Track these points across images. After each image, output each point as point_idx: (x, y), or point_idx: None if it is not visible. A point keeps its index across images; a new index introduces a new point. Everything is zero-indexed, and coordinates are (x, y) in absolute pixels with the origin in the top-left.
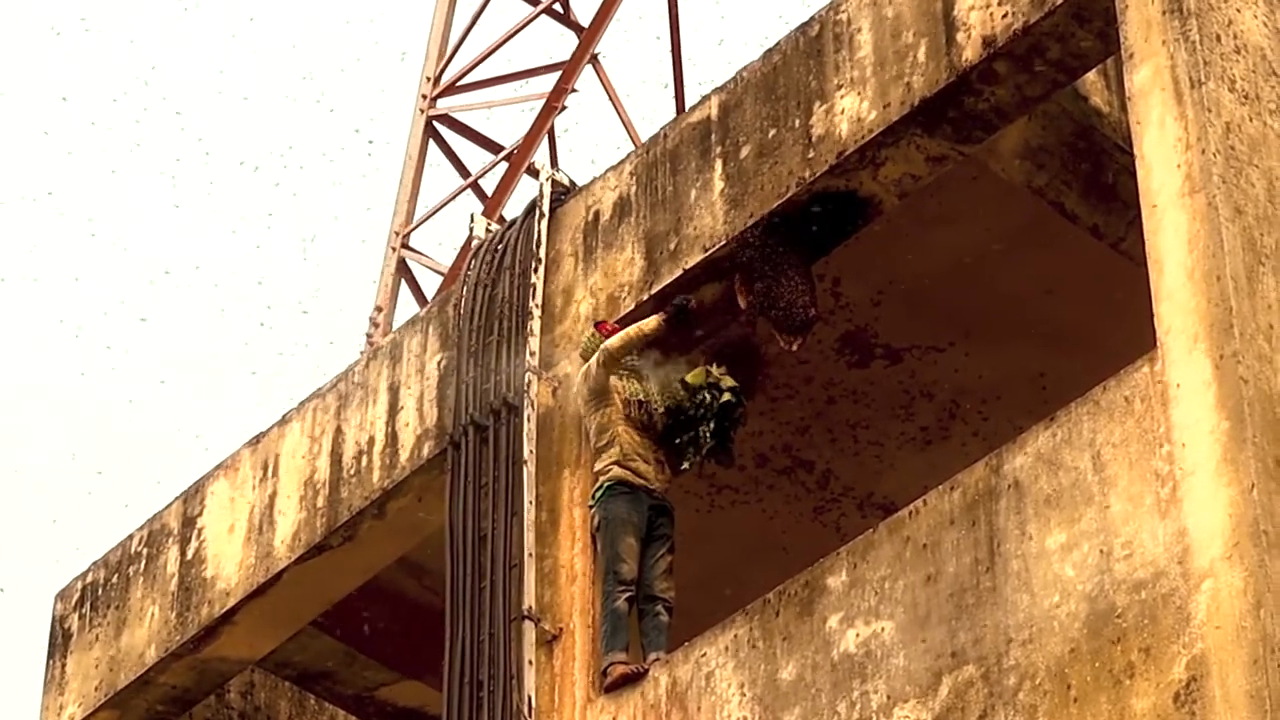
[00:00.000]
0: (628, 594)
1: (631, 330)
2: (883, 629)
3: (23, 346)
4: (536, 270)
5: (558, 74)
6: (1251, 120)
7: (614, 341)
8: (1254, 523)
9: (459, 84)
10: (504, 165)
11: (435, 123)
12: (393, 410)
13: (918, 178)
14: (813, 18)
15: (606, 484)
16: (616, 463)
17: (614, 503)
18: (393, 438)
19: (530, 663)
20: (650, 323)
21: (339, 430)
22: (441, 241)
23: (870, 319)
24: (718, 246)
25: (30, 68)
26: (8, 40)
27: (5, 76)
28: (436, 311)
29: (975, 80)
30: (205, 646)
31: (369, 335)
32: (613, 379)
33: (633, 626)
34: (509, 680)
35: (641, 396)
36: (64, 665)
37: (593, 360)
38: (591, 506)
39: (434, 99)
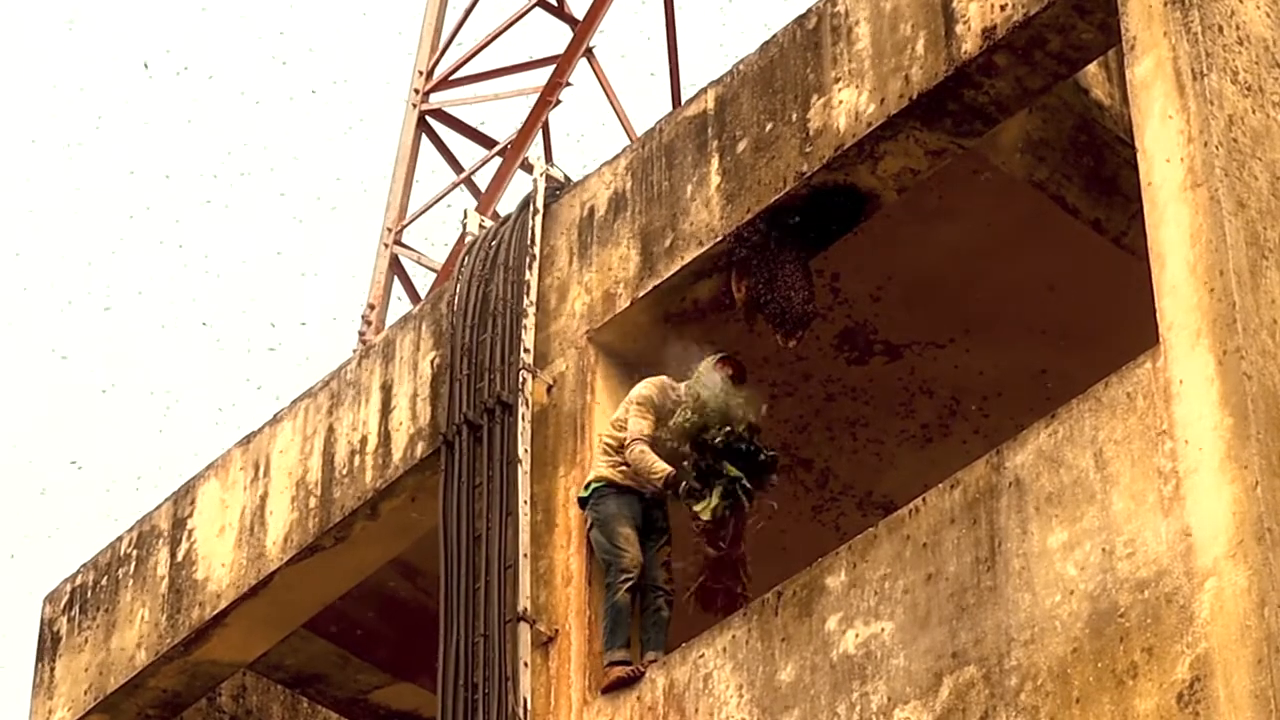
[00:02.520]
0: (630, 583)
1: (644, 459)
2: (883, 629)
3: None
4: (531, 267)
5: (552, 68)
6: (1254, 112)
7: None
8: (1258, 520)
9: (452, 78)
10: (498, 160)
11: (428, 117)
12: (385, 409)
13: (917, 172)
14: (810, 10)
15: (595, 485)
16: (610, 463)
17: (603, 502)
18: (385, 437)
19: (526, 665)
20: (659, 470)
21: (331, 430)
22: (434, 238)
23: (869, 315)
24: (714, 242)
25: (35, 63)
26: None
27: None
28: (429, 309)
29: (975, 73)
30: (196, 649)
31: (361, 333)
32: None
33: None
34: (504, 682)
35: (687, 425)
36: (53, 669)
37: (632, 423)
38: (584, 510)
39: (426, 93)
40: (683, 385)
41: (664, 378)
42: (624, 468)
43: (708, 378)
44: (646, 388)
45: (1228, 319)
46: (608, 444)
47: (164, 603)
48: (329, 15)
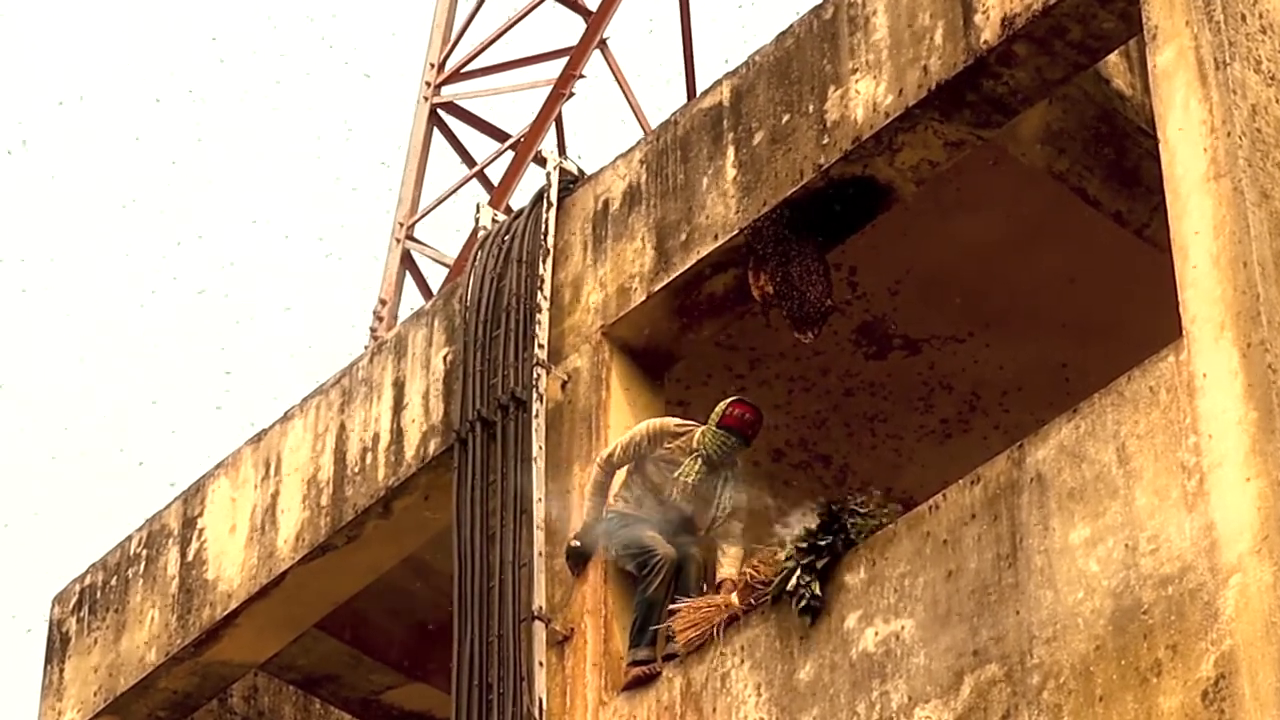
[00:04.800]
0: (665, 571)
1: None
2: (902, 627)
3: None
4: (544, 261)
5: (565, 59)
6: (1278, 102)
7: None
8: None
9: (464, 70)
10: (510, 154)
11: (439, 110)
12: (398, 406)
13: (935, 164)
14: (826, 0)
15: (607, 515)
16: (623, 499)
17: (612, 526)
18: (398, 434)
19: (541, 664)
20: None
21: (343, 427)
22: (446, 233)
23: (888, 309)
24: (730, 236)
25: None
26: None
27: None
28: (442, 304)
29: (994, 63)
30: (207, 650)
31: (373, 329)
32: (671, 455)
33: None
34: (519, 682)
35: (691, 479)
36: (62, 670)
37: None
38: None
39: (438, 86)
40: (698, 431)
41: (671, 421)
42: (637, 507)
43: (714, 438)
44: (643, 425)
45: (1252, 312)
46: (620, 491)
47: (174, 603)
48: (339, 7)
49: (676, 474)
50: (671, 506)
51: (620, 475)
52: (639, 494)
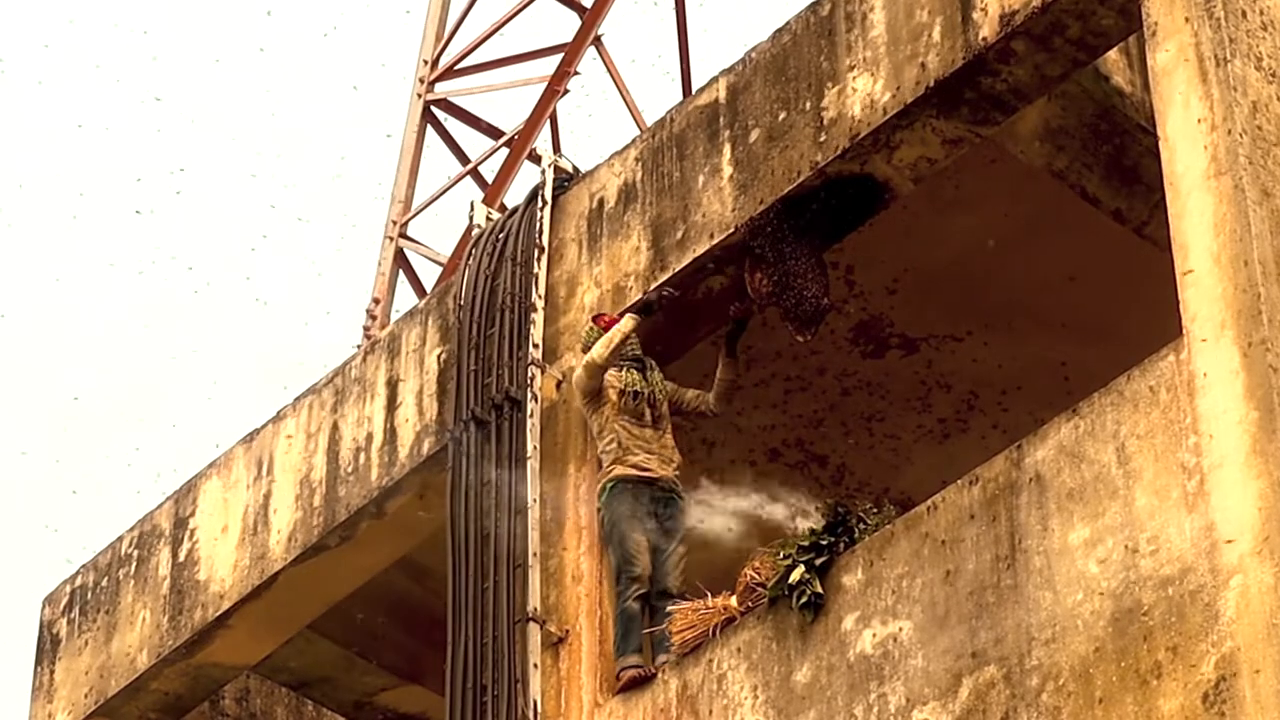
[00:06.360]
0: (640, 591)
1: (612, 335)
2: (900, 629)
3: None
4: (539, 260)
5: (560, 56)
6: (1279, 99)
7: (596, 351)
8: None
9: (458, 67)
10: (505, 151)
11: (433, 107)
12: (391, 405)
13: (933, 161)
14: None
15: (608, 484)
16: (616, 460)
17: (616, 502)
18: (391, 434)
19: (536, 666)
20: (626, 322)
21: (336, 427)
22: (440, 231)
23: (885, 308)
24: (727, 234)
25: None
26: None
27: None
28: (436, 303)
29: (992, 60)
30: (199, 651)
31: (366, 328)
32: (609, 373)
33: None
34: (514, 684)
35: (638, 387)
36: (52, 672)
37: (580, 371)
38: (600, 510)
39: (432, 83)
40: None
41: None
42: (632, 457)
43: (599, 334)
44: (580, 367)
45: (1252, 310)
46: (604, 449)
47: (165, 604)
48: (333, 3)
49: (623, 386)
50: (651, 433)
51: (600, 437)
52: (624, 440)
